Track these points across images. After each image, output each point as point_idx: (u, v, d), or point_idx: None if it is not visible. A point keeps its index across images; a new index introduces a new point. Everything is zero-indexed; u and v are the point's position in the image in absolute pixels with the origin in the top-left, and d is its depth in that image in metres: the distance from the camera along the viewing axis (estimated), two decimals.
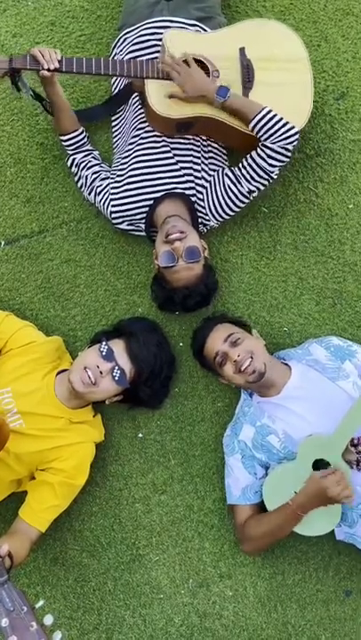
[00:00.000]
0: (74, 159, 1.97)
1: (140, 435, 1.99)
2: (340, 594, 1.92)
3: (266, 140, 1.76)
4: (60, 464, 1.71)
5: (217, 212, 1.90)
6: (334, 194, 2.07)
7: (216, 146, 1.98)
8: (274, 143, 1.75)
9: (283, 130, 1.74)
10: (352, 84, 2.10)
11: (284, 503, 1.68)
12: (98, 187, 1.94)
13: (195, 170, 1.89)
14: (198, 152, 1.91)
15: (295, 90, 1.86)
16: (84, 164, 1.96)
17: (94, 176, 1.95)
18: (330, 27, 2.14)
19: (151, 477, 1.98)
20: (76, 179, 2.00)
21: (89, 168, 1.96)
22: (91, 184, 1.95)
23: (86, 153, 1.98)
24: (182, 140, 1.90)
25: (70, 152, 1.97)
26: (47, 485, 1.70)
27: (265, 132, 1.75)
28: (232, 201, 1.87)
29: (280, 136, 1.75)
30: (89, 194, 1.98)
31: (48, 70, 1.72)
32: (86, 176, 1.96)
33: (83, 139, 1.97)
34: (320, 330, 2.03)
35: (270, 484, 1.74)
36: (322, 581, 1.92)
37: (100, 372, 1.68)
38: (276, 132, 1.74)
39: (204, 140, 1.94)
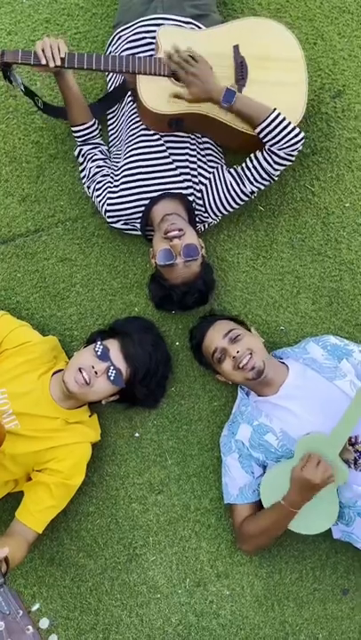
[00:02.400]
0: (81, 149, 1.96)
1: (137, 434, 1.99)
2: (338, 592, 1.92)
3: (272, 145, 1.74)
4: (56, 465, 1.71)
5: (217, 208, 1.89)
6: (331, 192, 2.07)
7: (212, 143, 1.97)
8: (281, 149, 1.74)
9: (290, 136, 1.73)
10: (348, 82, 2.10)
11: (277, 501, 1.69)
12: (98, 182, 1.93)
13: (191, 168, 1.89)
14: (194, 149, 1.90)
15: (289, 89, 1.85)
16: (90, 156, 1.95)
17: (97, 170, 1.94)
18: (326, 24, 2.13)
19: (148, 477, 1.97)
20: (80, 168, 1.99)
21: (94, 161, 1.95)
22: (92, 177, 1.95)
23: (94, 146, 1.97)
24: (178, 138, 1.89)
25: (79, 143, 1.96)
26: (43, 486, 1.70)
27: (273, 138, 1.73)
28: (233, 199, 1.87)
29: (287, 142, 1.73)
30: (88, 187, 1.97)
31: (44, 67, 1.70)
32: (90, 168, 1.95)
33: (93, 131, 1.95)
34: (317, 329, 2.03)
35: (267, 482, 1.74)
36: (319, 580, 1.92)
37: (95, 373, 1.68)
38: (283, 137, 1.73)
39: (199, 138, 1.92)
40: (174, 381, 2.00)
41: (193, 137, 1.91)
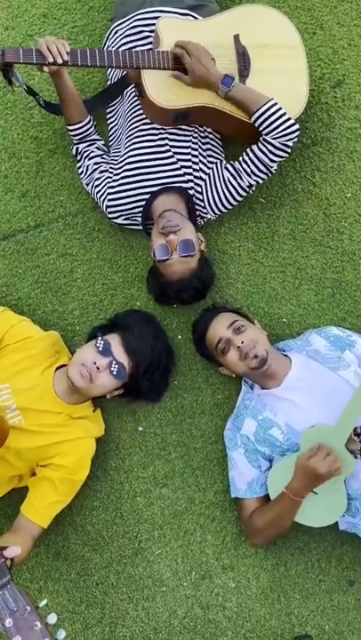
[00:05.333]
0: (77, 148, 1.96)
1: (141, 428, 1.99)
2: (344, 584, 1.92)
3: (267, 134, 1.74)
4: (60, 460, 1.71)
5: (216, 205, 1.88)
6: (332, 183, 2.06)
7: (213, 137, 1.96)
8: (275, 139, 1.74)
9: (285, 125, 1.73)
10: (348, 71, 2.08)
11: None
12: (96, 179, 1.93)
13: (193, 162, 1.88)
14: (196, 144, 1.90)
15: (292, 76, 1.85)
16: (86, 154, 1.96)
17: (95, 167, 1.94)
18: (325, 14, 2.11)
19: (152, 471, 1.97)
20: (77, 165, 2.00)
21: (91, 158, 1.95)
22: (90, 174, 1.94)
23: (90, 143, 1.97)
24: (179, 132, 1.88)
25: (75, 141, 1.96)
26: (48, 481, 1.70)
27: (267, 126, 1.73)
28: (231, 195, 1.86)
29: (282, 132, 1.73)
30: (87, 184, 1.97)
31: (54, 64, 1.69)
32: (87, 166, 1.95)
33: (89, 129, 1.95)
34: (319, 320, 2.02)
35: (274, 476, 1.73)
36: (325, 571, 1.92)
37: (98, 368, 1.67)
38: (278, 126, 1.72)
39: (201, 132, 1.92)
40: (177, 375, 2.00)
41: (195, 131, 1.90)
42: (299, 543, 1.93)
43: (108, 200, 1.91)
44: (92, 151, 1.96)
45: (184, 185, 1.87)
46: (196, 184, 1.88)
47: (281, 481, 1.70)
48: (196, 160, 1.88)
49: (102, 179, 1.92)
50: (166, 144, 1.87)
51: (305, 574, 1.92)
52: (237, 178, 1.83)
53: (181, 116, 1.82)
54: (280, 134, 1.73)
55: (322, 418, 1.70)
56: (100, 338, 1.73)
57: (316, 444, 1.64)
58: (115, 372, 1.69)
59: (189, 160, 1.87)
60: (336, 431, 1.65)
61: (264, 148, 1.76)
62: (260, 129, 1.74)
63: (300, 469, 1.64)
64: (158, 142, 1.87)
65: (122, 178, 1.88)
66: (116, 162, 1.93)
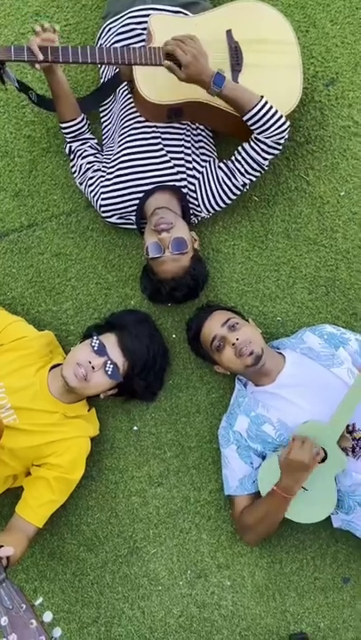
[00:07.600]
0: (70, 147, 1.95)
1: (135, 428, 1.99)
2: (338, 581, 1.93)
3: (259, 133, 1.74)
4: (55, 459, 1.71)
5: (210, 203, 1.88)
6: (326, 181, 2.06)
7: (206, 135, 1.96)
8: (268, 137, 1.74)
9: (277, 125, 1.72)
10: (341, 69, 2.08)
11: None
12: (90, 178, 1.92)
13: (186, 161, 1.87)
14: (189, 142, 1.89)
15: (285, 71, 1.84)
16: (79, 153, 1.95)
17: (88, 166, 1.93)
18: (318, 12, 2.11)
19: (147, 470, 1.97)
20: (71, 164, 1.99)
21: (84, 157, 1.94)
22: (83, 174, 1.94)
23: (83, 142, 1.96)
24: (172, 131, 1.87)
25: (68, 139, 1.95)
26: (43, 481, 1.70)
27: (260, 126, 1.72)
28: (226, 194, 1.86)
29: (274, 131, 1.73)
30: (80, 183, 1.96)
31: (45, 62, 1.67)
32: (80, 165, 1.94)
33: (82, 127, 1.94)
34: (314, 319, 2.02)
35: (265, 472, 1.74)
36: (320, 569, 1.93)
37: (93, 367, 1.67)
38: (270, 126, 1.72)
39: (194, 130, 1.91)
40: (172, 374, 2.00)
41: (188, 129, 1.89)
42: (294, 541, 1.93)
43: (102, 199, 1.90)
44: (86, 150, 1.95)
45: (177, 183, 1.87)
46: (189, 182, 1.87)
47: (271, 477, 1.70)
48: (190, 158, 1.88)
49: (95, 178, 1.91)
50: (159, 142, 1.86)
51: (300, 572, 1.93)
52: (232, 177, 1.83)
53: (175, 112, 1.81)
54: (272, 133, 1.73)
55: (315, 414, 1.70)
56: (95, 337, 1.73)
57: (293, 437, 1.65)
58: (109, 372, 1.69)
59: (182, 158, 1.87)
60: (329, 428, 1.66)
61: (256, 147, 1.76)
62: (253, 128, 1.74)
63: (285, 466, 1.65)
64: (151, 141, 1.86)
65: (115, 177, 1.87)
66: (109, 160, 1.92)
